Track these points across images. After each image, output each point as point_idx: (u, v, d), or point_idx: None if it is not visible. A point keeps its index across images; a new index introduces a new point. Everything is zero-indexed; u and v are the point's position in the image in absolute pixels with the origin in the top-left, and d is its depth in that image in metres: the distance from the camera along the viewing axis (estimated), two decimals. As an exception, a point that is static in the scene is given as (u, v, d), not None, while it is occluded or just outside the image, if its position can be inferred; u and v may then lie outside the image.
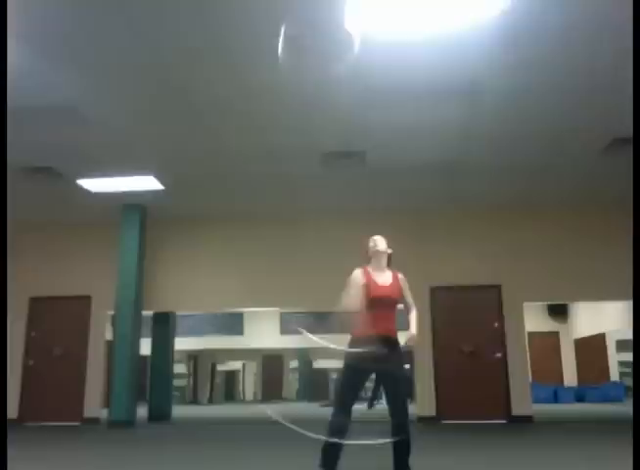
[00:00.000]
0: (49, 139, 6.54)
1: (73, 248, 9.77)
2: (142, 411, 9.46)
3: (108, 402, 8.65)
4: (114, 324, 8.92)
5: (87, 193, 8.26)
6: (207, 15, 4.30)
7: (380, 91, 5.49)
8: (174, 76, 5.21)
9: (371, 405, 12.63)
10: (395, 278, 3.78)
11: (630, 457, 4.53)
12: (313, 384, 18.65)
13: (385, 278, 3.74)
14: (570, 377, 16.08)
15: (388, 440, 3.61)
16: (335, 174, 7.75)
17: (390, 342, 3.61)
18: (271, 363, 18.85)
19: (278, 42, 4.61)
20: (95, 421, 8.98)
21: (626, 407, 11.35)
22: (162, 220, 9.57)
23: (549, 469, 4.14)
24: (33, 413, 9.20)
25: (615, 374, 13.94)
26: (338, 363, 18.89)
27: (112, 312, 9.11)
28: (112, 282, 9.12)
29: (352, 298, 3.63)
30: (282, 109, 5.87)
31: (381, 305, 3.63)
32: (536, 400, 13.77)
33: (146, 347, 9.50)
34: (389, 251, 3.83)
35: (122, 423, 8.31)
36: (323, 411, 12.25)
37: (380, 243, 3.79)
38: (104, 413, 8.93)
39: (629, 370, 13.22)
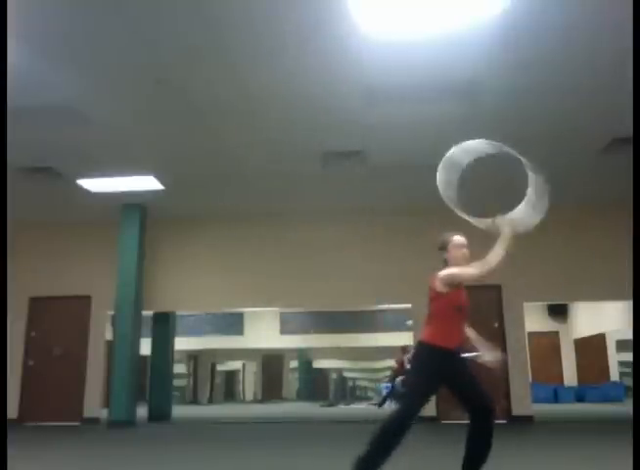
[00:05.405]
0: (49, 139, 6.53)
1: (73, 247, 9.77)
2: (142, 411, 9.45)
3: (108, 402, 8.64)
4: (113, 324, 8.91)
5: (87, 193, 8.26)
6: (207, 14, 4.30)
7: (380, 91, 5.49)
8: (174, 76, 5.20)
9: (382, 404, 12.67)
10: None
11: (630, 457, 4.53)
12: (313, 384, 18.65)
13: None
14: (570, 377, 16.07)
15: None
16: (335, 174, 7.75)
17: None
18: (271, 363, 18.85)
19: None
20: (95, 421, 8.98)
21: (626, 407, 11.35)
22: (162, 220, 9.57)
23: (549, 469, 4.14)
24: (33, 413, 9.19)
25: (615, 374, 13.93)
26: (337, 363, 18.90)
27: (112, 312, 9.10)
28: (112, 282, 9.11)
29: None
30: (282, 108, 5.87)
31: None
32: (536, 400, 13.75)
33: (146, 347, 9.49)
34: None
35: (122, 423, 8.31)
36: (324, 411, 12.25)
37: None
38: (104, 413, 8.92)
39: (629, 370, 13.21)
